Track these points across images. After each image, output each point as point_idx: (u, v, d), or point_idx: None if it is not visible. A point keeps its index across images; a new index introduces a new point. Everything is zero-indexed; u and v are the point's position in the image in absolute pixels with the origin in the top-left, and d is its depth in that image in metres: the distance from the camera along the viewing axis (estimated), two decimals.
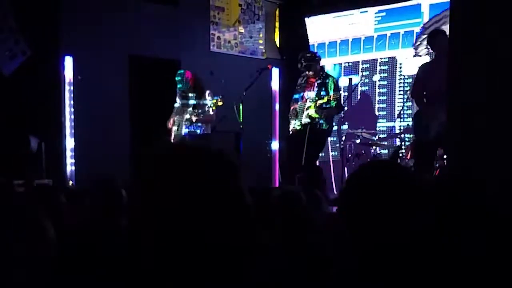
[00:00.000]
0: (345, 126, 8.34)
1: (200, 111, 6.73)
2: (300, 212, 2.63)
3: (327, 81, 6.70)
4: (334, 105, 6.59)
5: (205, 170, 1.04)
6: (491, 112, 3.35)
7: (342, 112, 7.44)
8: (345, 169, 7.49)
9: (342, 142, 7.94)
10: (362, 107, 8.44)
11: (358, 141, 7.70)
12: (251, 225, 1.07)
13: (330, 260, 1.78)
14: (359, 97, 8.50)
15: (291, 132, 6.94)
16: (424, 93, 5.83)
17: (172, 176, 1.03)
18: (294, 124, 6.85)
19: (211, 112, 6.71)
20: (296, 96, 6.93)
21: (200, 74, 7.30)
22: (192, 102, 6.82)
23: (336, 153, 8.47)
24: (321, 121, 6.65)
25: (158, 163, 1.07)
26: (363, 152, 7.60)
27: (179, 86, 6.83)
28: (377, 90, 8.33)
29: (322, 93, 6.62)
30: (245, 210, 1.06)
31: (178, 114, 6.93)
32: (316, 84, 6.70)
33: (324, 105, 6.55)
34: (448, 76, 3.69)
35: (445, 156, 5.91)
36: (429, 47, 6.29)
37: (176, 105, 7.01)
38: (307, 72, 6.78)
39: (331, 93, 6.57)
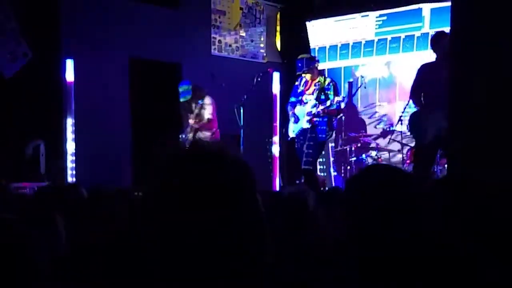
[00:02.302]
0: (345, 129, 8.34)
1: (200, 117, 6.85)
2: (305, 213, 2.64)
3: (326, 84, 6.69)
4: (333, 109, 6.59)
5: (219, 174, 1.04)
6: (493, 114, 3.35)
7: (342, 115, 7.44)
8: (345, 172, 7.50)
9: (342, 146, 7.94)
10: (361, 111, 8.45)
11: (358, 144, 7.70)
12: (263, 231, 1.07)
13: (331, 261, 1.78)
14: (359, 101, 8.51)
15: (290, 137, 6.93)
16: (422, 94, 5.78)
17: (185, 178, 1.03)
18: (294, 128, 6.84)
19: (206, 115, 6.82)
20: (293, 99, 6.91)
21: (201, 77, 7.32)
22: (195, 110, 6.94)
23: (335, 157, 8.47)
24: (321, 125, 6.65)
25: (172, 165, 1.07)
26: (363, 156, 7.60)
27: (185, 96, 6.89)
28: (378, 95, 8.34)
29: (322, 97, 6.60)
30: (258, 216, 1.06)
31: (185, 122, 7.00)
32: (315, 88, 6.70)
33: (324, 109, 6.55)
34: (449, 79, 3.69)
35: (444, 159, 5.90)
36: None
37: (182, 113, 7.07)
38: (305, 76, 6.77)
39: (331, 97, 6.57)
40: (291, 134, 6.88)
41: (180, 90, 6.94)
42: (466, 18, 3.52)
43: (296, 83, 6.93)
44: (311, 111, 6.61)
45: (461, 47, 3.56)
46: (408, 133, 7.38)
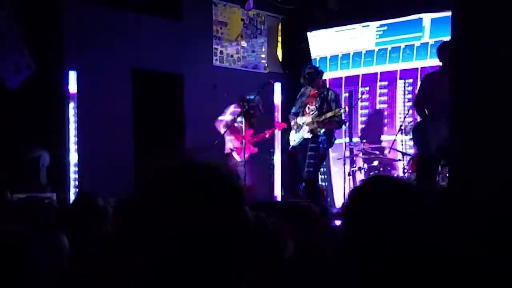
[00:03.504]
0: (347, 139, 8.35)
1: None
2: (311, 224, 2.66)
3: (329, 95, 6.72)
4: (335, 120, 6.61)
5: (204, 186, 1.07)
6: (494, 116, 3.36)
7: (344, 126, 7.45)
8: (347, 182, 7.49)
9: (343, 156, 7.94)
10: (367, 121, 8.45)
11: (360, 154, 7.71)
12: (250, 241, 1.09)
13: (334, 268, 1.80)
14: (365, 110, 8.51)
15: (291, 146, 6.95)
16: (427, 104, 5.77)
17: (171, 190, 1.06)
18: (295, 138, 6.86)
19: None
20: (296, 109, 6.94)
21: (203, 88, 7.36)
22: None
23: (337, 166, 8.47)
24: (322, 135, 6.67)
25: (158, 177, 1.09)
26: (364, 165, 7.60)
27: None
28: (378, 104, 8.35)
29: (324, 106, 6.63)
30: (245, 227, 1.08)
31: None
32: (317, 98, 6.72)
33: (326, 120, 6.57)
34: (450, 84, 3.70)
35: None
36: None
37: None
38: (309, 86, 6.80)
39: (333, 107, 6.59)
40: (293, 143, 6.90)
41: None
42: (466, 27, 3.54)
43: (300, 93, 6.95)
44: (312, 121, 6.63)
45: (462, 54, 3.58)
46: (410, 142, 7.41)
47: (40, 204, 3.44)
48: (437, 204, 2.00)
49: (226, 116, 7.04)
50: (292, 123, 6.95)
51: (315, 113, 6.64)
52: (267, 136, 6.99)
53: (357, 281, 1.48)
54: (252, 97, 6.85)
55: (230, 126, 6.93)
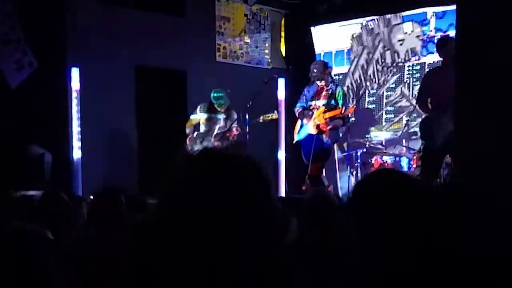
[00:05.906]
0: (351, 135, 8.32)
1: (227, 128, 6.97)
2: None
3: (337, 91, 6.65)
4: (342, 117, 6.56)
5: (236, 179, 1.05)
6: (499, 118, 3.34)
7: (348, 123, 7.42)
8: (352, 177, 7.48)
9: (348, 151, 7.92)
10: (368, 117, 8.42)
11: (364, 149, 7.68)
12: (279, 237, 1.08)
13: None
14: (365, 105, 8.49)
15: (295, 140, 6.90)
16: (430, 100, 5.79)
17: (201, 181, 1.04)
18: (301, 133, 6.82)
19: (235, 130, 6.98)
20: (302, 104, 6.87)
21: (206, 84, 7.35)
22: (222, 117, 7.07)
23: (342, 161, 8.44)
24: (328, 131, 6.62)
25: (189, 168, 1.08)
26: (369, 160, 7.58)
27: (220, 102, 6.97)
28: (385, 100, 8.32)
29: (332, 103, 6.57)
30: (274, 221, 1.07)
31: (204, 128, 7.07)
32: (325, 94, 6.66)
33: (332, 116, 6.51)
34: (455, 82, 3.68)
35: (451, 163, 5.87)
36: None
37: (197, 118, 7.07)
38: (317, 81, 6.73)
39: (341, 103, 6.53)
40: (297, 137, 6.86)
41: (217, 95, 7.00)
42: (472, 21, 3.52)
43: (307, 87, 6.88)
44: (319, 117, 6.58)
45: (467, 49, 3.55)
46: (414, 137, 7.39)
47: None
48: (440, 198, 1.99)
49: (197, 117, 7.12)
50: (297, 114, 6.87)
51: (322, 109, 6.58)
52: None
53: (369, 273, 1.47)
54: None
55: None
